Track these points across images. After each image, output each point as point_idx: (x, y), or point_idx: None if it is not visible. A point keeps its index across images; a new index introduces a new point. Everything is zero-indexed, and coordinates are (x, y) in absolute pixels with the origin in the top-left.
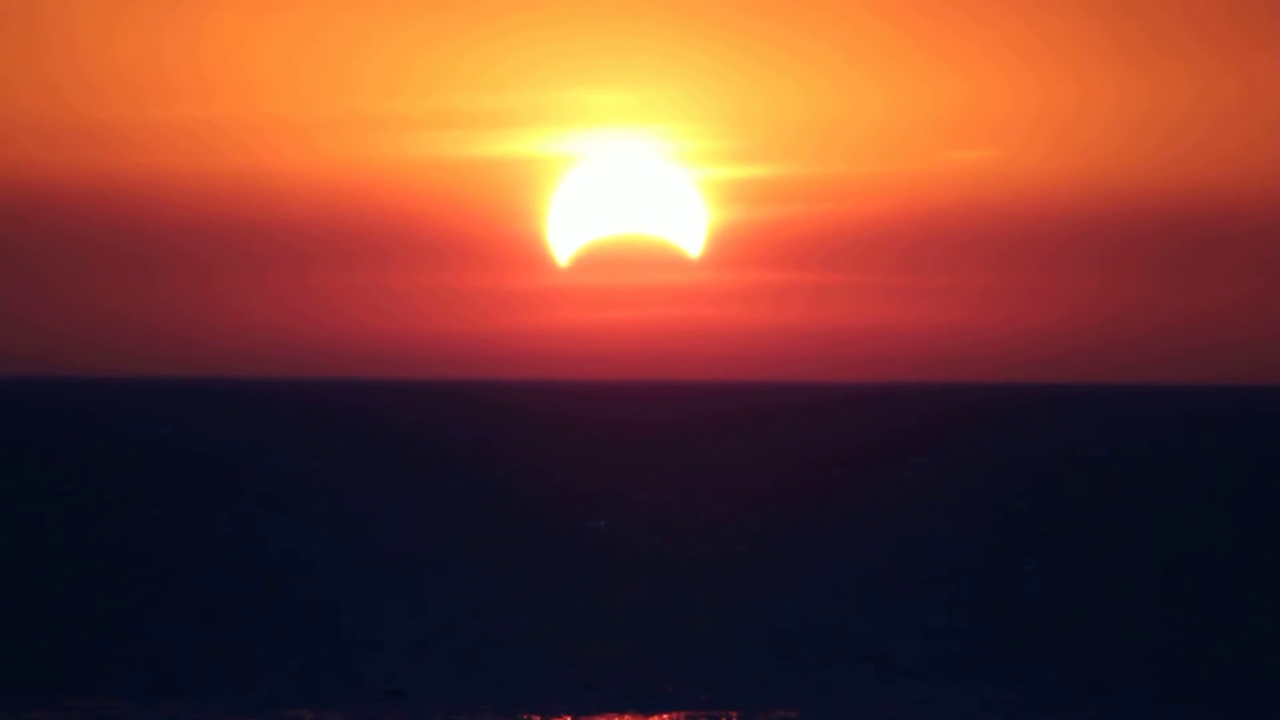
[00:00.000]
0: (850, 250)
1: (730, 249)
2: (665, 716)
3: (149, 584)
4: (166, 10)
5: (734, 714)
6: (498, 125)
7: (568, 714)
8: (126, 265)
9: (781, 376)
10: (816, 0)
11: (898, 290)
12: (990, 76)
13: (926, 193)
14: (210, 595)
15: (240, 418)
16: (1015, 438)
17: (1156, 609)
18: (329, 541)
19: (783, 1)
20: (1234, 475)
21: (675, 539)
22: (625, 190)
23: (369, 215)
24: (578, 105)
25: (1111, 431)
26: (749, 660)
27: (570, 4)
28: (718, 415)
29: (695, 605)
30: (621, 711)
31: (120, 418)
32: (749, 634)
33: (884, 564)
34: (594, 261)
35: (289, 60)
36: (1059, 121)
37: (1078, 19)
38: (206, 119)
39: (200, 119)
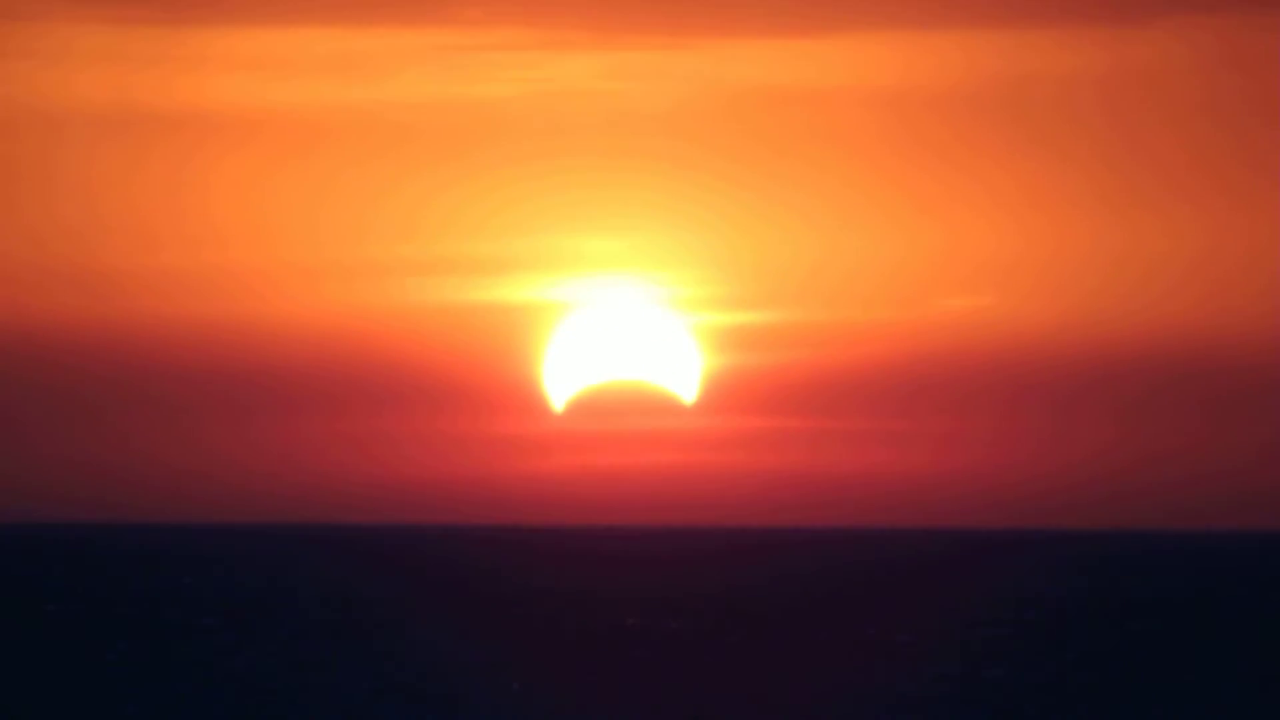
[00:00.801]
0: (844, 396)
1: (724, 395)
2: None
3: None
4: (183, 159)
5: None
6: (496, 272)
7: None
8: (143, 411)
9: (776, 522)
10: (810, 148)
11: (892, 436)
12: (988, 222)
13: (915, 339)
14: None
15: (254, 564)
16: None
17: None
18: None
19: (776, 150)
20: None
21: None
22: (619, 336)
23: (370, 360)
24: (573, 252)
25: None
26: None
27: (563, 153)
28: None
29: None
30: None
31: (128, 564)
32: None
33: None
34: (588, 407)
35: (301, 207)
36: (1059, 268)
37: (1055, 167)
38: (222, 265)
39: (216, 265)
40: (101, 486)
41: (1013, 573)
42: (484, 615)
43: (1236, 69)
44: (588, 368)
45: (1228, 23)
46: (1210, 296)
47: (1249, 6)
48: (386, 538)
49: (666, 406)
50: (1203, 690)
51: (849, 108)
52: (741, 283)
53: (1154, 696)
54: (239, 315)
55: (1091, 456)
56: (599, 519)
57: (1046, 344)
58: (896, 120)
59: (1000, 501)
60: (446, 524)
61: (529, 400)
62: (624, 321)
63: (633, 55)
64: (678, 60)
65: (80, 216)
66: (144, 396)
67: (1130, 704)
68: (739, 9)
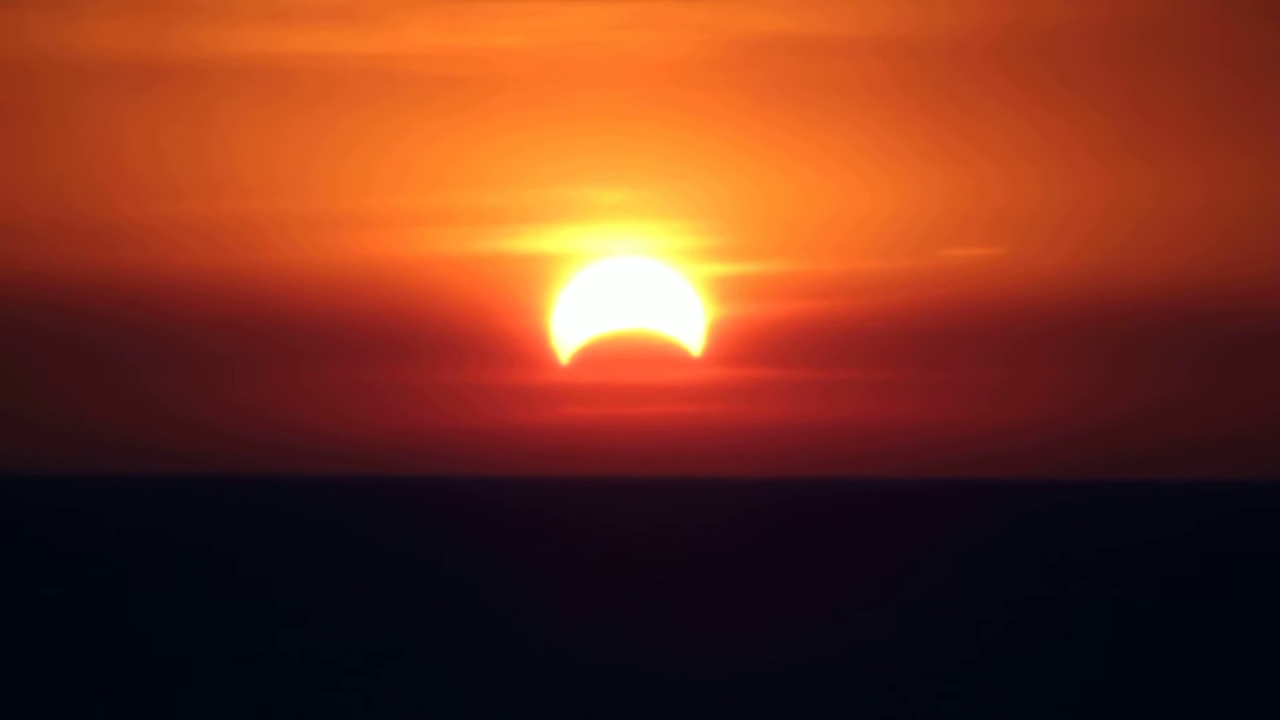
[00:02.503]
0: (849, 346)
1: (731, 345)
2: None
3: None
4: (168, 108)
5: None
6: (500, 222)
7: None
8: (131, 365)
9: (781, 472)
10: (813, 99)
11: (896, 386)
12: (989, 173)
13: (926, 289)
14: None
15: (244, 515)
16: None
17: None
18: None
19: (783, 101)
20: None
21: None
22: (626, 287)
23: (371, 312)
24: (580, 203)
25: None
26: None
27: (573, 103)
28: (714, 510)
29: None
30: None
31: (125, 516)
32: None
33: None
34: (595, 358)
35: (315, 158)
36: (1056, 218)
37: (1070, 117)
38: (211, 216)
39: (204, 216)
40: (122, 436)
41: (1023, 522)
42: (508, 563)
43: (1262, 16)
44: (595, 319)
45: None
46: (1227, 246)
47: None
48: (393, 488)
49: (673, 357)
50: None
51: (860, 57)
52: (749, 233)
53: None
54: (254, 265)
55: (1097, 406)
56: (606, 469)
57: (1056, 294)
58: (906, 70)
59: (1008, 451)
60: (452, 475)
61: (536, 351)
62: (631, 272)
63: (642, 5)
64: (687, 10)
65: (100, 168)
66: (160, 347)
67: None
68: None
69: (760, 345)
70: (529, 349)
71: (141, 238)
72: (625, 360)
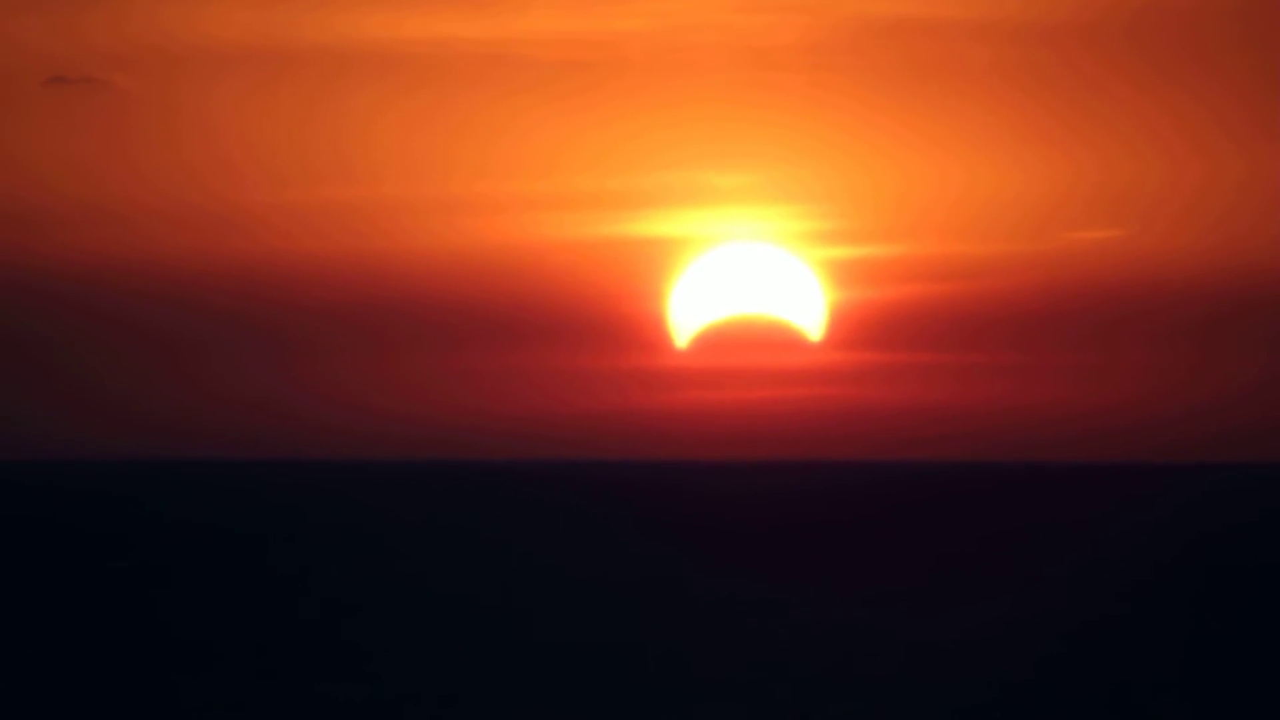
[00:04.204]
0: (971, 330)
1: (851, 329)
2: None
3: None
4: (301, 95)
5: None
6: (620, 207)
7: None
8: (263, 349)
9: (903, 456)
10: (937, 81)
11: (1017, 369)
12: (1114, 154)
13: (1048, 272)
14: None
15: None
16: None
17: None
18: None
19: (904, 83)
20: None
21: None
22: (745, 270)
23: (491, 297)
24: (699, 187)
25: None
26: None
27: (692, 88)
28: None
29: None
30: None
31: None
32: None
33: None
34: (714, 342)
35: (428, 143)
36: (1183, 199)
37: (1196, 98)
38: (347, 201)
39: (341, 201)
40: (231, 423)
41: (1159, 506)
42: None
43: None
44: (714, 303)
45: None
46: None
47: None
48: (514, 473)
49: (792, 342)
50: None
51: (985, 39)
52: (869, 217)
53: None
54: (380, 251)
55: (1226, 391)
56: (723, 454)
57: (1181, 277)
58: (1032, 52)
59: (1132, 434)
60: (570, 459)
61: (655, 336)
62: (750, 257)
63: None
64: None
65: (235, 155)
66: (267, 335)
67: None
68: None
69: (880, 329)
70: (648, 333)
71: (275, 223)
72: (744, 344)
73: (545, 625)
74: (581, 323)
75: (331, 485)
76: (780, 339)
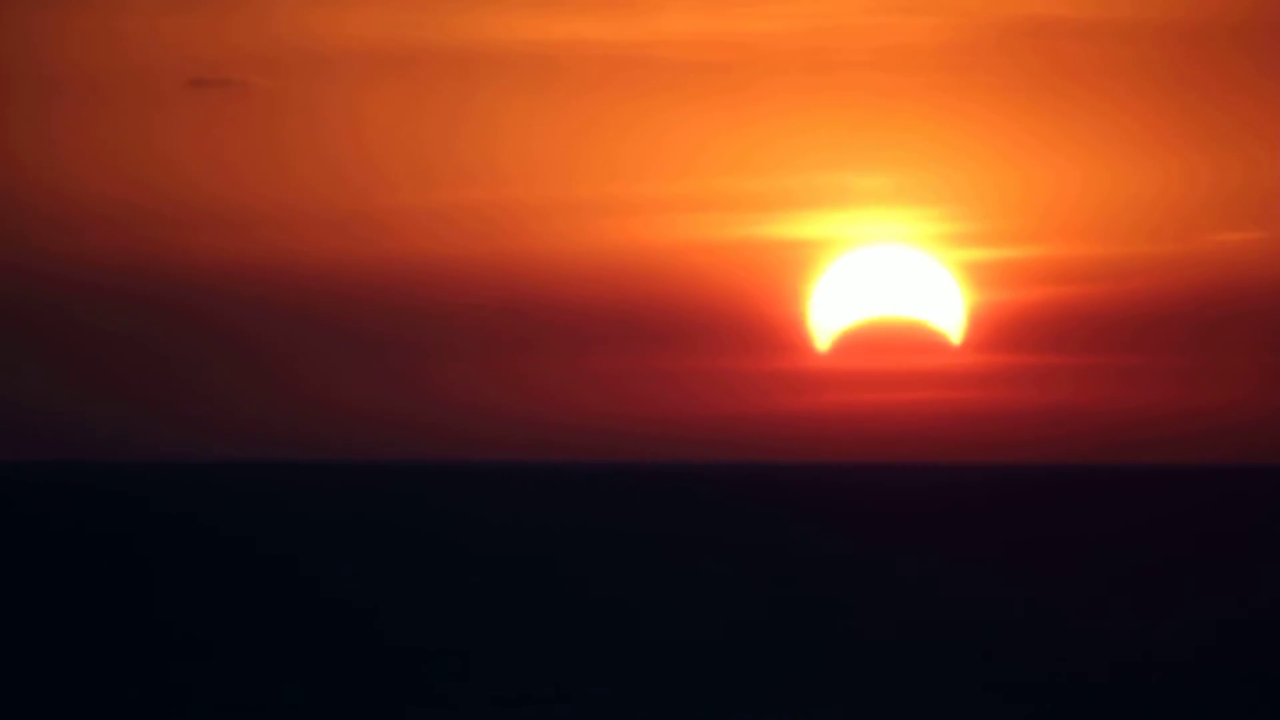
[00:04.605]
0: (1112, 332)
1: (990, 332)
2: None
3: None
4: (457, 98)
5: None
6: (759, 208)
7: None
8: (390, 352)
9: (1044, 458)
10: (1076, 81)
11: (1160, 371)
12: (1258, 156)
13: (1191, 274)
14: None
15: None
16: None
17: None
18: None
19: (1043, 83)
20: None
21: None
22: (885, 272)
23: (630, 299)
24: (838, 188)
25: None
26: None
27: (831, 89)
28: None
29: None
30: None
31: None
32: None
33: None
34: (853, 344)
35: (572, 144)
36: None
37: None
38: (473, 204)
39: (466, 204)
40: (376, 424)
41: None
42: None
43: None
44: (854, 305)
45: None
46: None
47: None
48: (653, 475)
49: (932, 344)
50: None
51: (1123, 38)
52: (1009, 218)
53: None
54: (510, 253)
55: None
56: (864, 456)
57: None
58: (1176, 52)
59: (1271, 436)
60: (710, 461)
61: (795, 337)
62: (890, 258)
63: None
64: None
65: (348, 157)
66: (416, 336)
67: None
68: None
69: (1020, 331)
70: (787, 335)
71: (396, 226)
72: (884, 347)
73: (712, 625)
74: (720, 325)
75: (475, 488)
76: (920, 341)
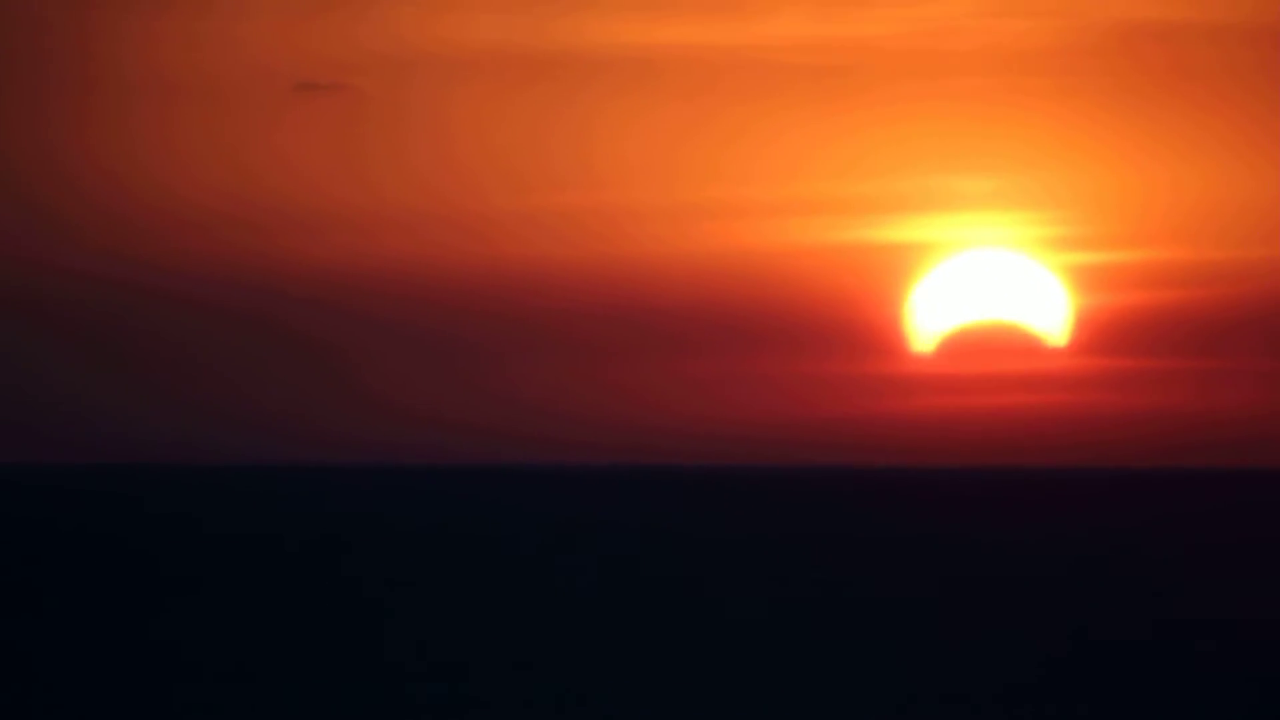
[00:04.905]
0: (1215, 335)
1: (1095, 335)
2: None
3: None
4: (542, 100)
5: None
6: (864, 212)
7: None
8: (500, 356)
9: (1148, 462)
10: (1181, 85)
11: (1269, 375)
12: None
13: None
14: None
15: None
16: None
17: None
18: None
19: (1148, 87)
20: None
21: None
22: (990, 276)
23: (733, 302)
24: (944, 192)
25: None
26: None
27: (937, 92)
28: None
29: None
30: None
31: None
32: None
33: None
34: (958, 348)
35: (674, 147)
36: None
37: None
38: (586, 207)
39: (579, 207)
40: (482, 425)
41: None
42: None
43: None
44: (957, 308)
45: None
46: None
47: None
48: (758, 479)
49: (1036, 347)
50: None
51: (1225, 43)
52: (1113, 222)
53: None
54: (622, 256)
55: None
56: (968, 461)
57: None
58: (1272, 55)
59: None
60: (812, 464)
61: (898, 341)
62: (994, 261)
63: None
64: None
65: (474, 160)
66: (531, 337)
67: None
68: None
69: (1125, 334)
70: (891, 339)
71: (514, 229)
72: (988, 350)
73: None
74: (822, 328)
75: (571, 489)
76: (1024, 344)
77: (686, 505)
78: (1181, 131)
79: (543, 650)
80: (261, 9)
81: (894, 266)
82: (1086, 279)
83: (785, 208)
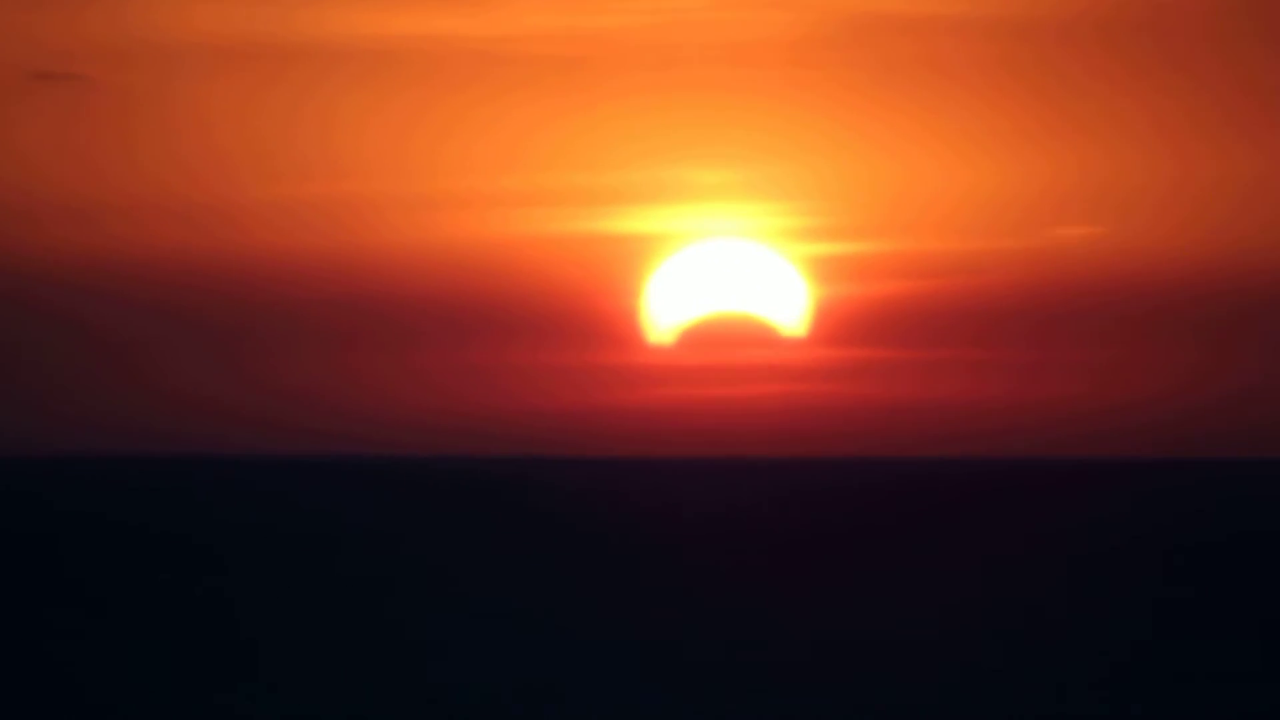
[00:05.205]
0: (951, 326)
1: (832, 326)
2: None
3: None
4: (267, 90)
5: None
6: (601, 203)
7: None
8: (225, 346)
9: (883, 452)
10: (918, 78)
11: (1000, 366)
12: (1092, 152)
13: (1028, 269)
14: None
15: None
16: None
17: None
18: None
19: (884, 79)
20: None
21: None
22: (727, 267)
23: (469, 293)
24: (681, 183)
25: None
26: None
27: (675, 84)
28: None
29: None
30: None
31: (235, 496)
32: None
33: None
34: (695, 339)
35: (392, 138)
36: (1160, 196)
37: (1184, 92)
38: (308, 198)
39: (301, 198)
40: (217, 417)
41: (1126, 501)
42: (596, 549)
43: None
44: (694, 299)
45: None
46: None
47: None
48: (490, 472)
49: (774, 338)
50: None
51: (962, 36)
52: (852, 213)
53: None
54: (352, 247)
55: (1199, 386)
56: (705, 451)
57: (1159, 273)
58: (1012, 49)
59: (1109, 431)
60: (550, 456)
61: (635, 332)
62: (732, 253)
63: None
64: None
65: (197, 150)
66: (256, 329)
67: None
68: None
69: (861, 325)
70: (628, 330)
71: (239, 219)
72: (725, 341)
73: (514, 627)
74: (563, 319)
75: (313, 483)
76: (761, 335)
77: (418, 497)
78: (922, 124)
79: (222, 643)
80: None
81: (633, 257)
82: (825, 270)
83: (525, 199)
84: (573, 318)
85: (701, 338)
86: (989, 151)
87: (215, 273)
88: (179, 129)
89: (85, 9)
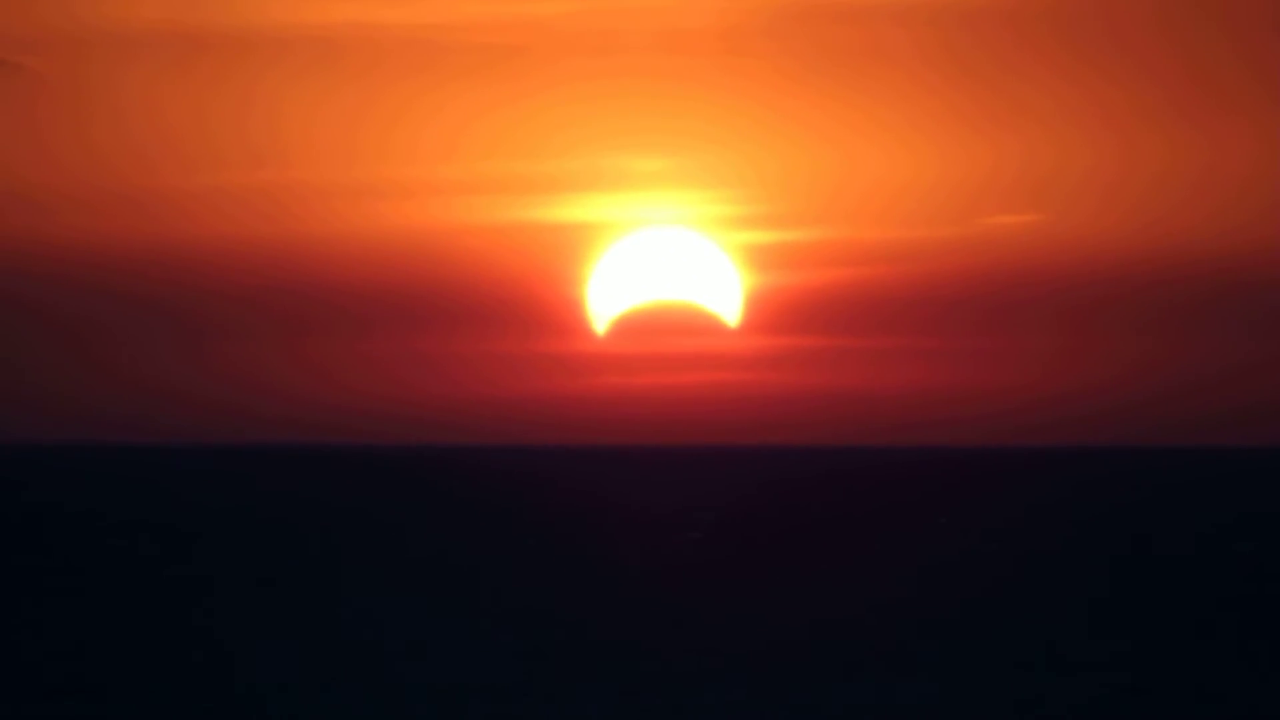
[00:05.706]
0: (888, 315)
1: (768, 314)
2: None
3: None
4: (213, 78)
5: None
6: (539, 191)
7: None
8: (175, 333)
9: (820, 440)
10: (856, 66)
11: (937, 354)
12: (1034, 139)
13: (967, 257)
14: None
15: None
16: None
17: None
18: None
19: (822, 67)
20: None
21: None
22: (663, 256)
23: (409, 281)
24: (619, 171)
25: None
26: None
27: (612, 72)
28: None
29: None
30: None
31: (175, 485)
32: None
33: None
34: (632, 328)
35: (335, 127)
36: (1103, 184)
37: (1127, 79)
38: (256, 186)
39: (249, 186)
40: (166, 406)
41: (1067, 488)
42: (538, 536)
43: None
44: (631, 288)
45: None
46: (1278, 212)
47: None
48: (432, 458)
49: (710, 327)
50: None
51: (907, 24)
52: (790, 201)
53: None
54: (296, 235)
55: (1142, 373)
56: (642, 439)
57: (1101, 261)
58: (952, 36)
59: (1050, 419)
60: (488, 444)
61: (573, 321)
62: (668, 242)
63: None
64: None
65: (145, 138)
66: (175, 319)
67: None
68: None
69: (798, 314)
70: (566, 318)
71: (187, 207)
72: (661, 330)
73: (457, 614)
74: (502, 307)
75: (246, 470)
76: (697, 324)
77: (364, 485)
78: (861, 111)
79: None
80: None
81: (573, 246)
82: (760, 258)
83: (457, 187)
84: (513, 306)
85: (637, 326)
86: (930, 138)
87: (166, 260)
88: (130, 118)
89: None
